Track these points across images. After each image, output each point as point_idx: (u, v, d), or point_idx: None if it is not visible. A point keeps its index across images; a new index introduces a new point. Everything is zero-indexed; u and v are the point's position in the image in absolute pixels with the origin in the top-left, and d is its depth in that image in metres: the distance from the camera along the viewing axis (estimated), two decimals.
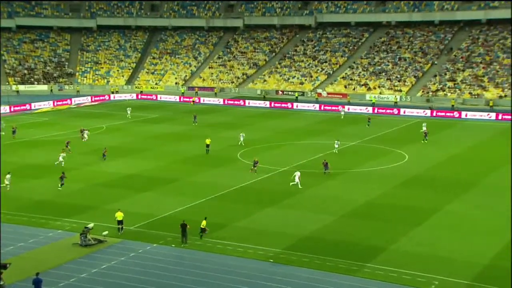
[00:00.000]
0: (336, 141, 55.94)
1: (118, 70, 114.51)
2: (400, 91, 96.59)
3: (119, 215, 34.01)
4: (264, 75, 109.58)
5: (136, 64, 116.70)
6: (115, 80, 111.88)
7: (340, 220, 37.20)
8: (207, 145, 55.86)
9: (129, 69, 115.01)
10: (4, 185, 41.99)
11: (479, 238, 33.54)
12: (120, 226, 33.98)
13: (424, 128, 64.21)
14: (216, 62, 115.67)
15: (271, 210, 39.24)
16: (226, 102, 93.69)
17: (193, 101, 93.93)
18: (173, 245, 32.42)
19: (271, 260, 30.71)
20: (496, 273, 28.95)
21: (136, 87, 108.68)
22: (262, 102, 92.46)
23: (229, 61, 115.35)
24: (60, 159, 50.19)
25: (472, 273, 28.82)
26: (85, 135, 61.98)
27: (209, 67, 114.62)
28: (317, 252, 31.66)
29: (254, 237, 33.95)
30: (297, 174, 44.05)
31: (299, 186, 43.41)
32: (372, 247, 32.40)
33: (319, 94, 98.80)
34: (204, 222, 33.44)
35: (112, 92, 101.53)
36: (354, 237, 34.12)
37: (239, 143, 59.24)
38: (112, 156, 53.67)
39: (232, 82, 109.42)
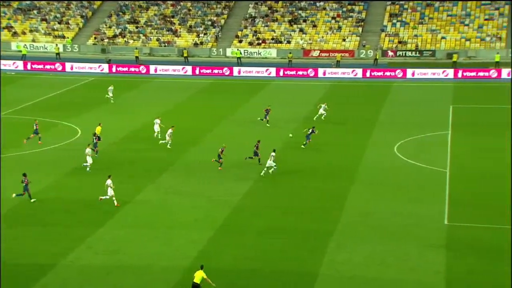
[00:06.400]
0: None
1: None
2: (64, 37, 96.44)
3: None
4: None
5: None
6: None
7: None
8: (98, 137, 48.97)
9: None
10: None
11: (179, 234, 36.02)
12: None
13: (322, 111, 59.15)
14: None
15: None
16: None
17: None
18: None
19: None
20: None
21: None
22: None
23: None
24: None
25: (172, 282, 30.86)
26: None
27: None
28: None
29: None
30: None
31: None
32: (32, 266, 32.05)
33: None
34: (199, 274, 29.14)
35: None
36: (3, 255, 33.07)
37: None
38: None
39: None
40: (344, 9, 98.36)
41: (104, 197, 39.81)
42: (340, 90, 74.07)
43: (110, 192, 39.71)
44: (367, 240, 35.24)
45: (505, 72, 77.50)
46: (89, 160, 45.67)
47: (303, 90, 74.46)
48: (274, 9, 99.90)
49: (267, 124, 57.12)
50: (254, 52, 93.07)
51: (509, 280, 30.83)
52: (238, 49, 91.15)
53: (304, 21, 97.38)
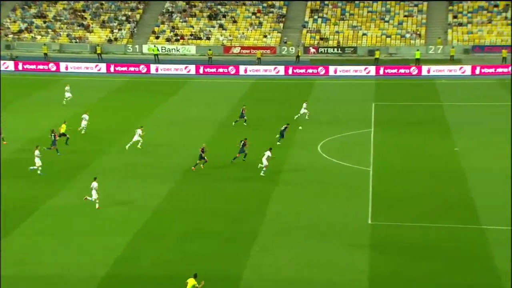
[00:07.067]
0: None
1: None
2: None
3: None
4: None
5: None
6: None
7: None
8: (62, 135, 49.89)
9: None
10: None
11: (94, 241, 35.26)
12: None
13: (305, 110, 59.04)
14: None
15: None
16: None
17: None
18: None
19: None
20: (116, 285, 31.00)
21: None
22: None
23: None
24: None
25: None
26: None
27: None
28: None
29: None
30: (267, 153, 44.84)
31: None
32: None
33: None
34: (191, 283, 28.68)
35: None
36: None
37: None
38: None
39: None
40: (265, 4, 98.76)
41: (90, 199, 39.30)
42: (262, 88, 74.32)
43: (94, 195, 39.03)
44: (291, 241, 35.32)
45: (425, 69, 79.57)
46: (38, 162, 44.40)
47: (224, 88, 74.35)
48: (192, 4, 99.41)
49: (244, 124, 56.78)
50: (172, 49, 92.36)
51: (432, 278, 31.61)
52: (155, 46, 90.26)
53: (224, 16, 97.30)
